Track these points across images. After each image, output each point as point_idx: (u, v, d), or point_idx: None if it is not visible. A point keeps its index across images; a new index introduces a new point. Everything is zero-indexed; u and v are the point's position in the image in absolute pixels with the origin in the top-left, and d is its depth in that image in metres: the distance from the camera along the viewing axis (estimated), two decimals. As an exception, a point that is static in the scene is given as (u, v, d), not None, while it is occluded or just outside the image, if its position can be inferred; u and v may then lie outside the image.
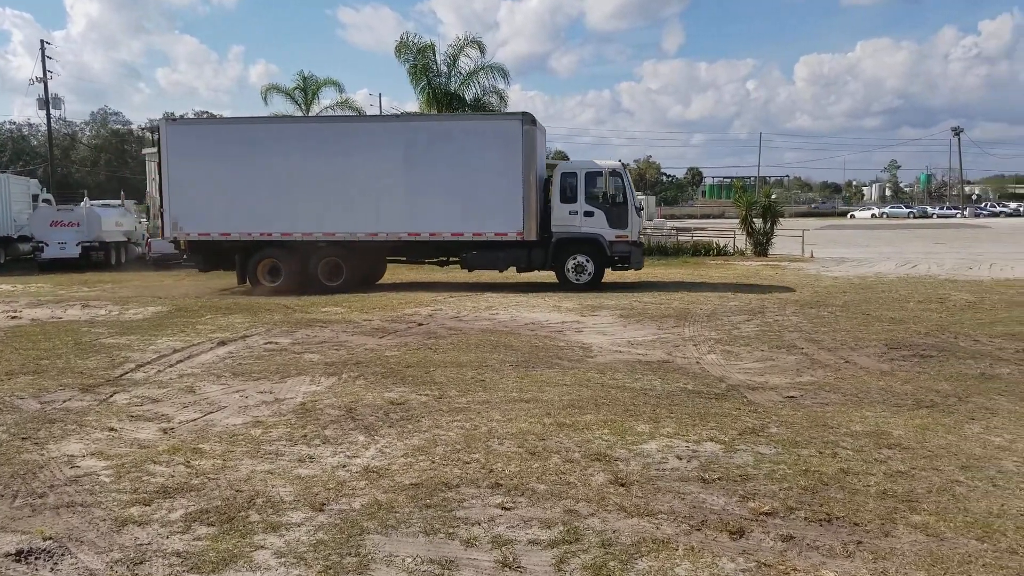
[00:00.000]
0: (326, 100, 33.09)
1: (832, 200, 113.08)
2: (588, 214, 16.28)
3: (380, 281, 18.34)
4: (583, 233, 16.34)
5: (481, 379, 7.50)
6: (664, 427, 5.85)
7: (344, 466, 4.97)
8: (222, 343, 9.74)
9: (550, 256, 16.36)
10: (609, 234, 16.24)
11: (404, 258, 17.73)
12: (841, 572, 3.55)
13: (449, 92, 28.80)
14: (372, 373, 7.81)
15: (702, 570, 3.56)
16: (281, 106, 32.17)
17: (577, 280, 16.32)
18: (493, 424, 5.88)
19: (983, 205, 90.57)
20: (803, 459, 5.13)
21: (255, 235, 16.78)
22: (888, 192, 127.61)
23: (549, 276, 16.91)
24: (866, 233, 44.73)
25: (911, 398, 6.85)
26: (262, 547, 3.83)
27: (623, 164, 16.99)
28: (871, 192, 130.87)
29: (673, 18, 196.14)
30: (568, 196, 16.35)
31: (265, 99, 32.06)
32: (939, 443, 5.52)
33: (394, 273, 19.31)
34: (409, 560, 3.66)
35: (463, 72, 28.98)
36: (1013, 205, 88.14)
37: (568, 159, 34.35)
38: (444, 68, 28.98)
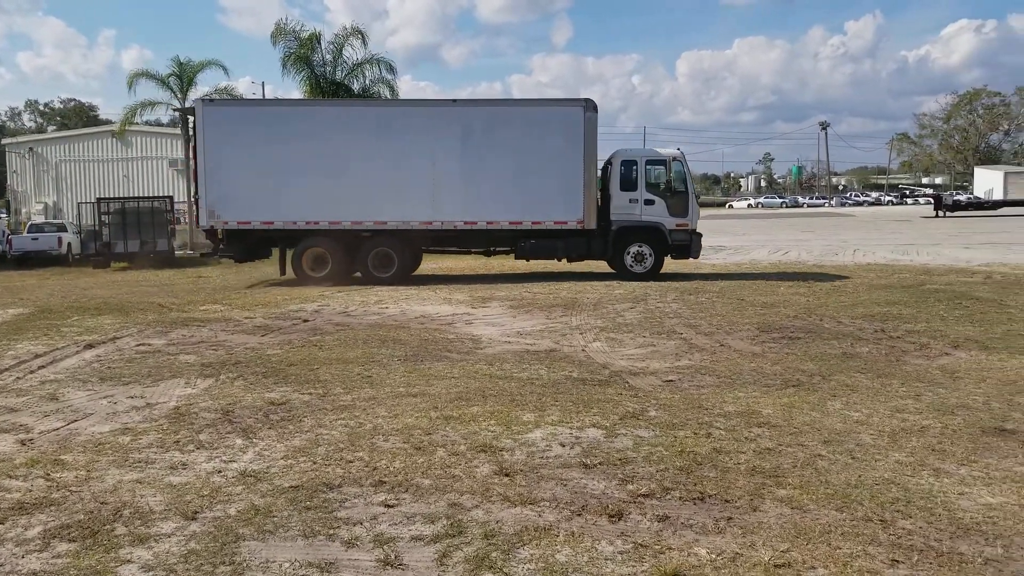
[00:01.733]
0: (204, 87, 31.63)
1: (712, 191, 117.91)
2: (648, 202, 16.26)
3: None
4: (643, 221, 16.25)
5: (367, 375, 7.38)
6: (549, 415, 5.93)
7: (220, 471, 4.77)
8: (89, 346, 9.16)
9: (611, 245, 16.27)
10: (669, 222, 16.22)
11: (455, 248, 17.22)
12: (712, 548, 3.70)
13: (335, 82, 28.11)
14: (252, 373, 7.54)
15: (582, 554, 3.63)
16: (153, 94, 30.51)
17: (637, 269, 16.26)
18: (378, 421, 5.80)
19: (848, 195, 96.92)
20: (679, 440, 5.32)
21: (301, 224, 16.06)
22: (763, 183, 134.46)
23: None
24: (743, 222, 46.94)
25: (780, 378, 7.23)
26: (128, 561, 3.62)
27: (681, 152, 16.73)
28: (748, 183, 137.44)
29: (561, 12, 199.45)
30: (628, 184, 16.27)
31: (131, 86, 30.24)
32: (804, 420, 5.84)
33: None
34: (287, 565, 3.55)
35: (349, 62, 28.41)
36: (874, 195, 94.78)
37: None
38: (329, 57, 28.31)
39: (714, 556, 3.61)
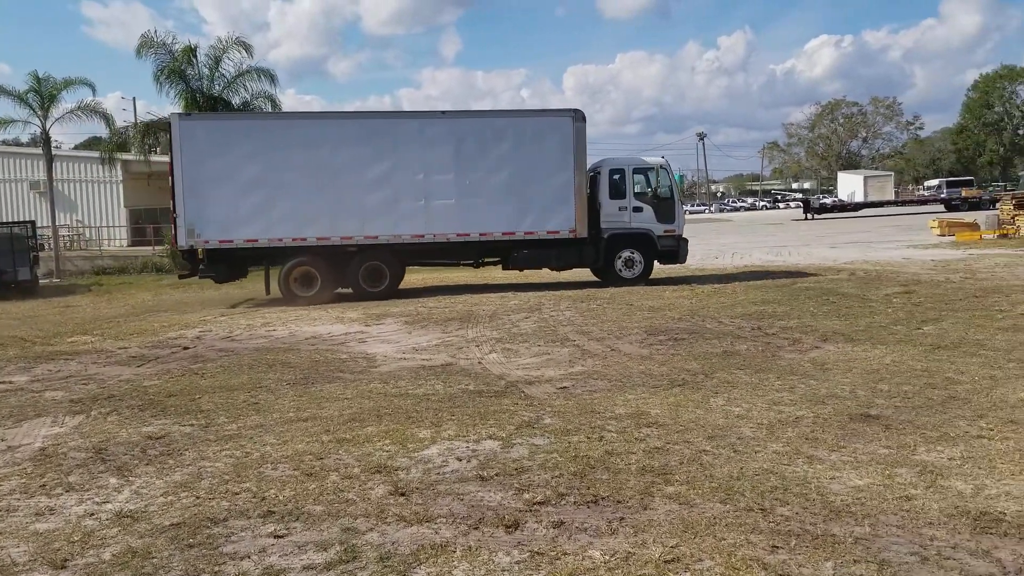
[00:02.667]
0: (69, 103, 29.83)
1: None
2: (637, 210, 16.58)
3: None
4: (633, 229, 16.57)
5: (254, 402, 7.12)
6: (446, 430, 5.90)
7: (92, 514, 4.47)
8: (-58, 389, 8.43)
9: (602, 252, 16.42)
10: (658, 229, 16.60)
11: (444, 260, 17.06)
12: (606, 550, 3.78)
13: (212, 96, 27.13)
14: (127, 407, 7.12)
15: (479, 568, 3.62)
16: (9, 111, 28.58)
17: (628, 275, 16.49)
18: (266, 449, 5.60)
19: (726, 201, 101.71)
20: (573, 446, 5.40)
21: (287, 241, 15.57)
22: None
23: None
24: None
25: (667, 378, 7.47)
26: (-11, 620, 3.34)
27: (666, 159, 17.10)
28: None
29: (449, 26, 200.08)
30: (617, 192, 16.58)
31: (-18, 104, 28.20)
32: (689, 417, 6.06)
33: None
34: (169, 607, 3.37)
35: (228, 75, 27.49)
36: (749, 200, 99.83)
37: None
38: (206, 71, 27.30)
39: (608, 558, 3.68)
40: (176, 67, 26.67)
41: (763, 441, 5.43)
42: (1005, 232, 28.23)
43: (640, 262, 16.61)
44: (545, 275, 18.30)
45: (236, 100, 27.61)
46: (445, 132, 16.05)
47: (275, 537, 4.04)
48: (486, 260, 16.93)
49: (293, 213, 15.60)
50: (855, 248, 24.51)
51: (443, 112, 17.60)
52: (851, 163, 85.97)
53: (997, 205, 35.13)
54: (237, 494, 4.69)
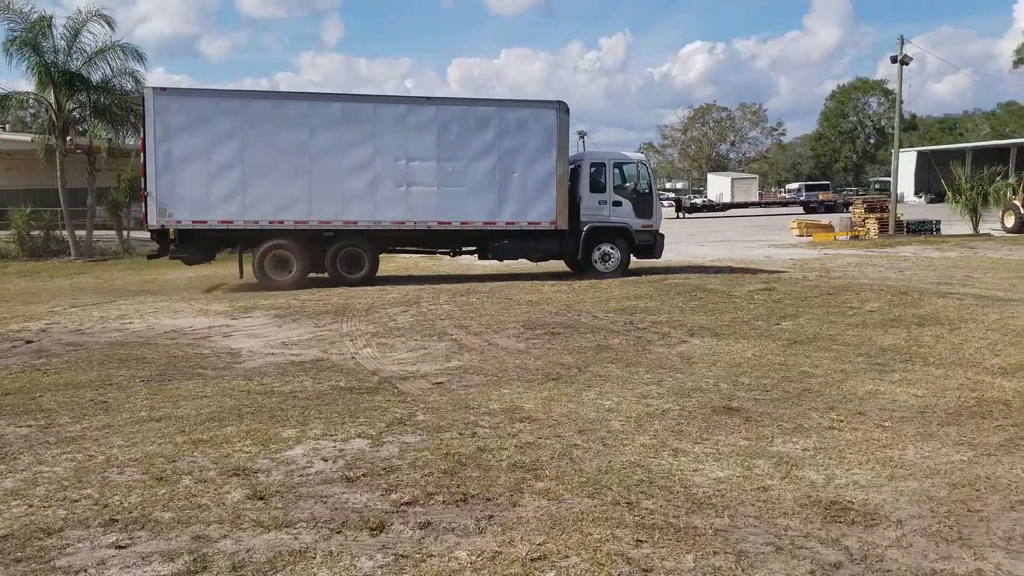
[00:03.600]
0: None
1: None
2: (616, 204, 16.73)
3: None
4: (612, 222, 16.70)
5: (102, 400, 6.60)
6: (312, 429, 5.66)
7: (-99, 529, 3.99)
8: None
9: (581, 245, 16.42)
10: (636, 223, 16.76)
11: (422, 248, 16.92)
12: (473, 550, 3.70)
13: (69, 72, 25.18)
14: (-44, 407, 6.45)
15: (340, 574, 3.47)
16: None
17: (604, 269, 16.53)
18: (113, 451, 5.18)
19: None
20: (445, 443, 5.31)
21: (263, 223, 15.16)
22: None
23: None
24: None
25: (541, 373, 7.51)
26: None
27: (646, 155, 17.10)
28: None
29: (332, 11, 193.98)
30: (597, 186, 16.70)
31: None
32: (562, 411, 6.10)
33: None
34: (-14, 632, 3.03)
35: (87, 50, 25.56)
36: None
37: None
38: (63, 44, 25.27)
39: (474, 558, 3.61)
40: (30, 38, 24.58)
41: (631, 434, 5.53)
42: (856, 233, 30.39)
43: (618, 256, 16.81)
44: (497, 267, 18.11)
45: (96, 76, 25.83)
46: (429, 118, 15.85)
47: (117, 548, 3.73)
48: (463, 249, 16.87)
49: (271, 195, 15.22)
50: (722, 246, 25.66)
51: (428, 98, 17.12)
52: (720, 165, 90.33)
53: (850, 208, 37.80)
54: (77, 501, 4.31)
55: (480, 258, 17.16)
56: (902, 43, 29.88)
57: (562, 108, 16.32)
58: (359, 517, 4.07)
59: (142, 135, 15.18)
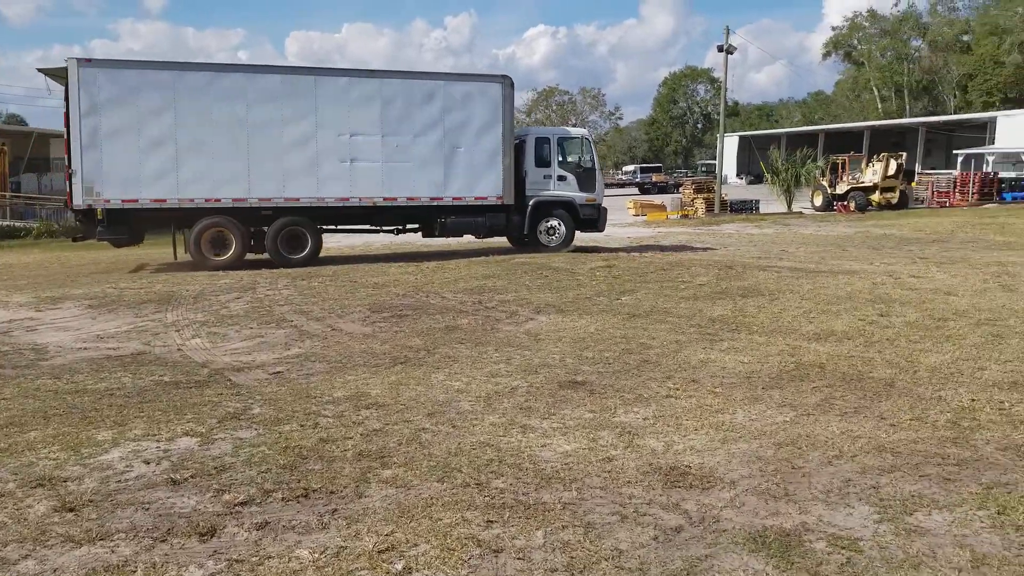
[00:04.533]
0: None
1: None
2: (561, 178, 16.77)
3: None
4: (557, 197, 16.72)
5: None
6: (132, 430, 5.17)
7: None
8: None
9: (528, 219, 16.41)
10: (580, 198, 16.84)
11: (367, 226, 16.45)
12: (316, 547, 3.50)
13: None
14: None
15: (165, 586, 3.16)
16: None
17: (550, 242, 16.63)
18: None
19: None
20: (284, 436, 5.02)
21: (199, 201, 14.52)
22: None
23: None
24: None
25: (388, 357, 7.31)
26: None
27: (588, 130, 16.84)
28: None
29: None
30: (542, 161, 16.66)
31: None
32: (410, 395, 5.95)
33: None
34: None
35: None
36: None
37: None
38: None
39: (317, 556, 3.41)
40: None
41: (481, 414, 5.48)
42: (686, 213, 32.18)
43: (563, 230, 16.84)
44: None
45: None
46: (372, 91, 15.40)
47: None
48: (406, 228, 16.62)
49: (207, 172, 14.54)
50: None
51: (371, 71, 16.31)
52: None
53: (680, 189, 39.96)
54: None
55: (424, 236, 16.94)
56: (728, 33, 31.80)
57: (507, 82, 16.19)
58: (187, 523, 3.74)
59: (65, 109, 14.07)
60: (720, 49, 32.18)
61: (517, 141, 16.93)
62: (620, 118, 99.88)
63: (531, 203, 16.66)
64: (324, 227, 15.98)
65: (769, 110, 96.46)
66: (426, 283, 12.28)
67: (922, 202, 33.30)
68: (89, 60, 14.55)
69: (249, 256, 15.24)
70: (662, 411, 5.50)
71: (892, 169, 31.33)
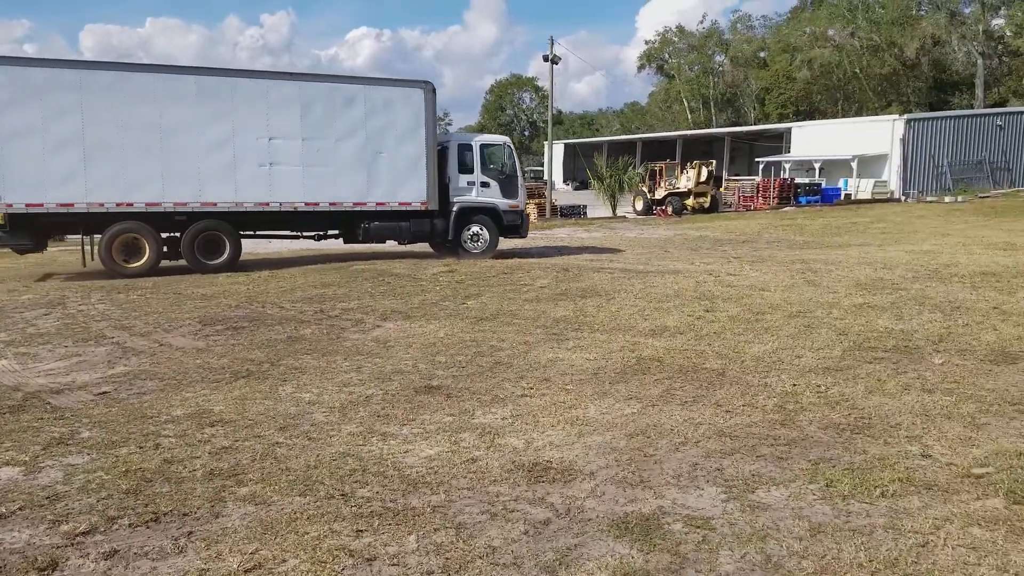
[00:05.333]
0: None
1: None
2: (484, 185, 16.77)
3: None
4: (481, 203, 16.75)
5: None
6: (-62, 464, 4.59)
7: None
8: None
9: (452, 225, 16.39)
10: (503, 204, 16.90)
11: (287, 231, 16.15)
12: (174, 572, 3.29)
13: None
14: None
15: (2, 633, 2.85)
16: None
17: (474, 249, 16.65)
18: None
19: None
20: (123, 459, 4.65)
21: (110, 206, 14.00)
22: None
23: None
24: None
25: (228, 371, 6.96)
26: None
27: (509, 139, 17.66)
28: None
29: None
30: (466, 167, 16.64)
31: None
32: (258, 410, 5.70)
33: None
34: None
35: None
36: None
37: None
38: None
39: (177, 582, 3.21)
40: None
41: (337, 424, 5.36)
42: (519, 218, 32.92)
43: (486, 236, 16.85)
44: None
45: None
46: (292, 95, 15.06)
47: None
48: (327, 234, 16.35)
49: (118, 175, 13.93)
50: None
51: (290, 73, 16.10)
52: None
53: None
54: None
55: (345, 242, 16.70)
56: (552, 44, 32.94)
57: (428, 88, 16.14)
58: (22, 558, 3.39)
59: None
60: (545, 59, 33.30)
61: (440, 147, 16.93)
62: (449, 124, 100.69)
63: (455, 209, 16.69)
64: (243, 232, 15.51)
65: (590, 119, 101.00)
66: (260, 293, 11.78)
67: (730, 206, 36.17)
68: None
69: (164, 263, 14.72)
70: (519, 410, 5.63)
71: (704, 175, 33.80)
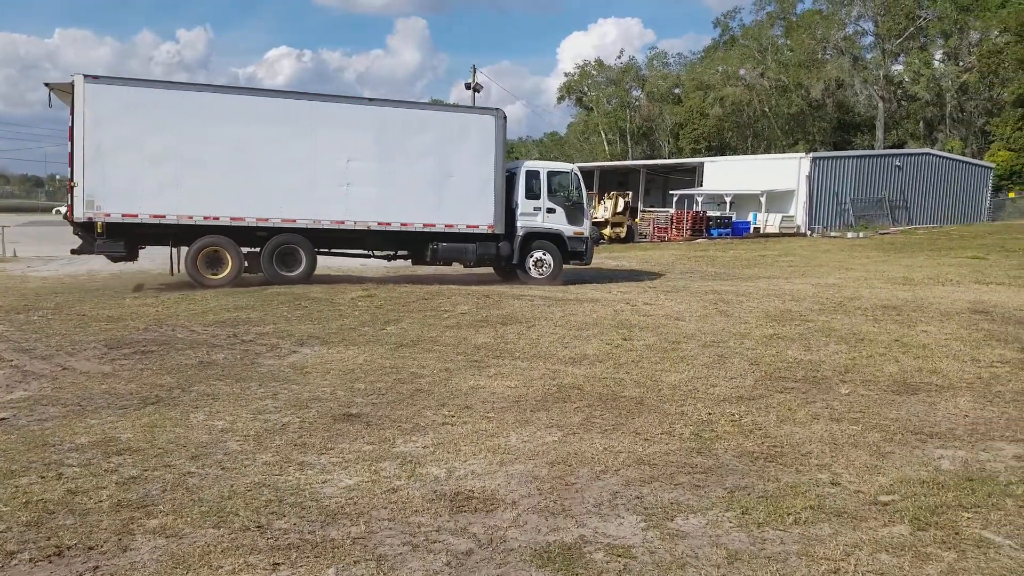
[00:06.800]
0: None
1: (34, 195, 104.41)
2: (550, 211, 17.13)
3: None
4: (546, 228, 17.08)
5: None
6: None
7: None
8: None
9: (517, 250, 16.76)
10: (568, 230, 17.17)
11: (359, 250, 16.87)
12: (78, 613, 3.12)
13: None
14: None
15: None
16: None
17: (539, 274, 16.97)
18: None
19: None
20: (22, 489, 4.40)
21: (198, 219, 14.75)
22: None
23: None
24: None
25: (136, 397, 6.67)
26: None
27: (576, 166, 17.97)
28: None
29: None
30: (532, 193, 17.02)
31: None
32: (168, 438, 5.48)
33: None
34: None
35: None
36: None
37: None
38: None
39: (81, 623, 3.04)
40: None
41: (252, 453, 5.20)
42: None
43: (550, 261, 17.13)
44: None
45: None
46: (370, 119, 15.87)
47: None
48: (397, 254, 16.90)
49: (206, 190, 14.74)
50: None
51: (369, 99, 17.02)
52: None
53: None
54: None
55: (414, 263, 17.26)
56: (475, 72, 33.29)
57: (500, 115, 16.76)
58: (-96, 603, 3.15)
59: (70, 123, 14.22)
60: (467, 86, 33.63)
61: (508, 173, 17.25)
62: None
63: (521, 234, 17.01)
64: (318, 250, 16.10)
65: (511, 147, 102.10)
66: (170, 316, 11.36)
67: (645, 236, 37.12)
68: (96, 77, 14.52)
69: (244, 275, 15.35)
70: (440, 438, 5.60)
71: (620, 206, 34.63)
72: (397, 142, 16.08)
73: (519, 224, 17.18)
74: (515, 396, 6.87)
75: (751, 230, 36.86)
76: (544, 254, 17.34)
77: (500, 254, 17.06)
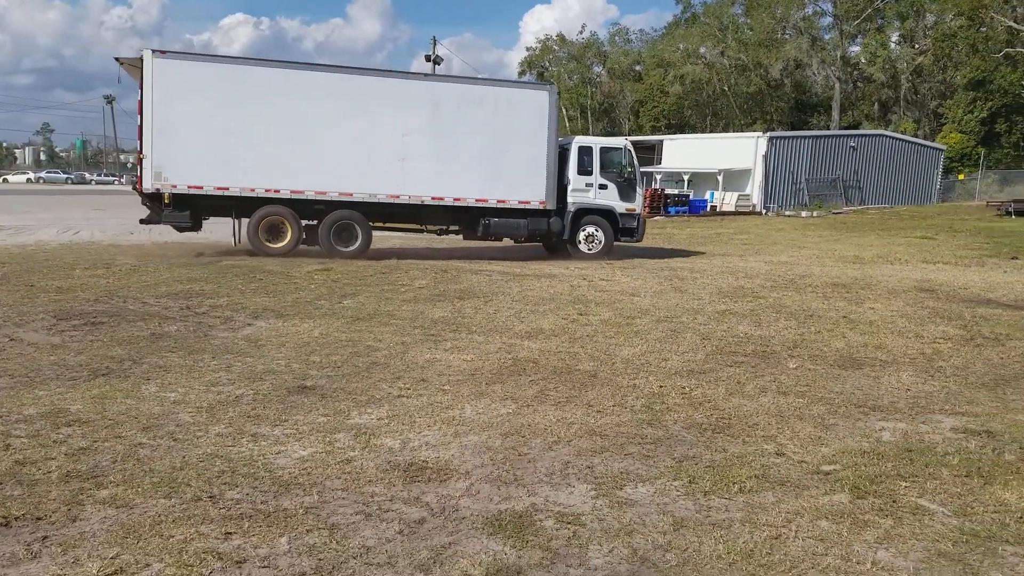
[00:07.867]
0: None
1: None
2: (602, 187, 17.12)
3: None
4: (598, 205, 17.13)
5: None
6: None
7: None
8: None
9: (568, 226, 16.81)
10: (620, 207, 17.20)
11: (412, 224, 17.03)
12: (25, 582, 3.10)
13: None
14: None
15: None
16: None
17: (589, 250, 17.08)
18: None
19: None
20: (-35, 463, 4.32)
21: (260, 191, 15.22)
22: (43, 156, 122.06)
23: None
24: (22, 199, 41.34)
25: (86, 368, 6.57)
26: None
27: (629, 141, 17.87)
28: (25, 156, 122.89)
29: None
30: (585, 169, 17.00)
31: None
32: (119, 410, 5.43)
33: None
34: None
35: None
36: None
37: None
38: None
39: (28, 592, 3.03)
40: None
41: (204, 425, 5.18)
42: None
43: (601, 238, 17.19)
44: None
45: None
46: (425, 95, 15.98)
47: None
48: (449, 229, 16.96)
49: (267, 163, 15.16)
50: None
51: (425, 74, 17.55)
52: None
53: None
54: None
55: (465, 238, 17.37)
56: (435, 44, 32.93)
57: (553, 91, 16.90)
58: None
59: (139, 97, 14.74)
60: (428, 59, 33.30)
61: (560, 149, 17.11)
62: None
63: (572, 209, 17.03)
64: (373, 224, 16.27)
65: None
66: (121, 287, 11.15)
67: (606, 214, 37.34)
68: (164, 52, 14.88)
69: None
70: (395, 411, 5.64)
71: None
72: (451, 117, 16.11)
73: (570, 200, 17.13)
74: (471, 369, 6.92)
75: (708, 208, 37.29)
76: (596, 230, 17.38)
77: (551, 230, 17.02)
